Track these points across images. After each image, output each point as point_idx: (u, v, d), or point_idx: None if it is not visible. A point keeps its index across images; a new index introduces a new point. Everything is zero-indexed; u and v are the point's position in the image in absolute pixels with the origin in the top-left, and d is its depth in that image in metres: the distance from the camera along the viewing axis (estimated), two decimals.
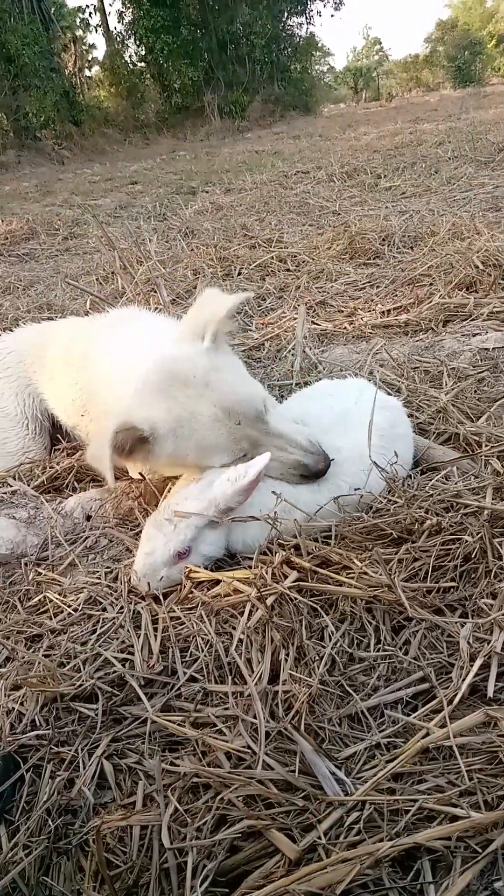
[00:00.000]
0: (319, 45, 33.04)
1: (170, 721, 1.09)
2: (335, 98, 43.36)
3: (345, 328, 3.06)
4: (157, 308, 3.20)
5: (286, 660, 1.14)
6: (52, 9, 22.54)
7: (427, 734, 1.02)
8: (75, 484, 2.03)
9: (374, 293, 3.43)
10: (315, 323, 3.12)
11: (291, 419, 1.58)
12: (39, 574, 1.54)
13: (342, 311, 3.29)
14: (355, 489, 1.47)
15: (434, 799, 0.94)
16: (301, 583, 1.27)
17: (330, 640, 1.20)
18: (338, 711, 1.08)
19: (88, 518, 1.71)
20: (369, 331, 2.95)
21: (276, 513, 1.38)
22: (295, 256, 4.27)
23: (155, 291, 3.54)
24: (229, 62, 25.24)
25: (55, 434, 2.26)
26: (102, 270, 4.35)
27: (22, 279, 4.58)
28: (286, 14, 27.86)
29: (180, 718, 1.11)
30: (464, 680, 1.10)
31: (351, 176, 7.13)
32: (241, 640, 1.20)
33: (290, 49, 27.68)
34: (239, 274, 4.11)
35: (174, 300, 3.64)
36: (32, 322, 3.44)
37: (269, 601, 1.22)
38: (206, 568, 1.42)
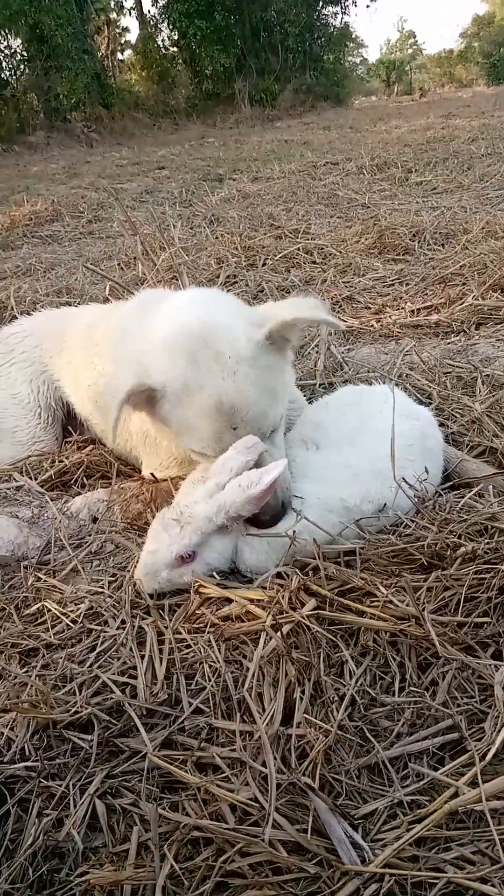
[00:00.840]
0: (353, 36, 32.47)
1: (171, 762, 0.99)
2: (367, 90, 42.78)
3: (372, 326, 2.93)
4: None
5: (301, 698, 1.03)
6: None
7: (456, 794, 0.91)
8: (84, 480, 1.93)
9: (404, 290, 3.29)
10: (341, 319, 3.00)
11: (286, 453, 1.47)
12: (39, 580, 1.45)
13: (369, 308, 3.16)
14: (379, 510, 1.35)
15: (463, 873, 0.83)
16: (320, 612, 1.16)
17: (350, 676, 1.09)
18: (356, 761, 0.97)
19: (95, 520, 1.61)
20: (398, 330, 2.82)
21: (294, 531, 1.26)
22: (322, 249, 4.13)
23: (177, 279, 3.43)
24: (262, 50, 24.91)
25: (67, 424, 2.16)
26: (125, 255, 4.24)
27: (43, 261, 4.48)
28: (321, 3, 27.43)
29: (182, 757, 1.00)
30: (498, 732, 0.98)
31: (381, 169, 6.95)
32: (251, 672, 1.10)
33: (323, 39, 27.27)
34: (263, 265, 3.98)
35: None
36: (50, 306, 3.36)
37: (285, 630, 1.11)
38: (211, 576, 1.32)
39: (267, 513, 1.32)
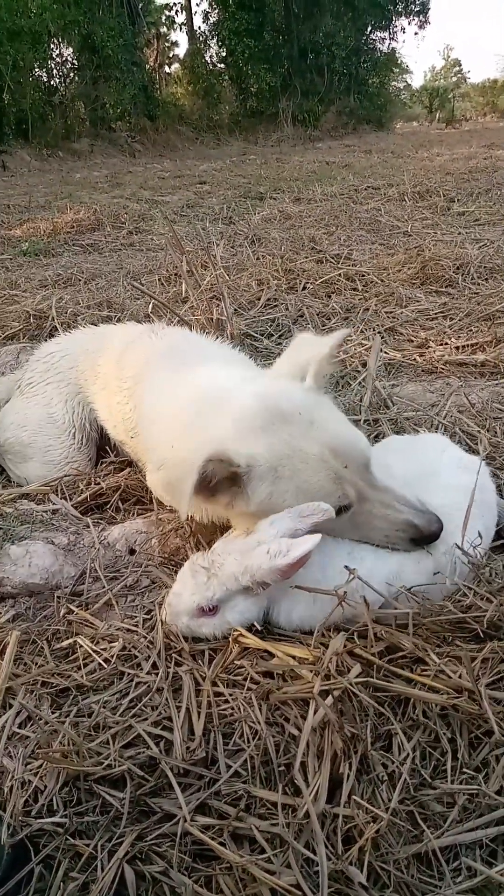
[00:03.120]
0: (399, 61, 32.66)
1: (206, 830, 0.94)
2: (408, 116, 43.00)
3: (414, 360, 2.88)
4: (219, 319, 3.07)
5: (348, 775, 0.97)
6: (140, 4, 22.80)
7: None
8: (119, 504, 1.89)
9: (447, 325, 3.23)
10: (383, 351, 2.95)
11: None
12: (71, 612, 1.40)
13: (412, 341, 3.10)
14: (434, 573, 1.29)
15: None
16: (369, 679, 1.10)
17: (399, 751, 1.03)
18: (405, 849, 0.91)
19: (132, 552, 1.56)
20: (441, 366, 2.76)
21: (345, 592, 1.20)
22: (363, 276, 4.09)
23: (217, 299, 3.40)
24: (308, 71, 25.18)
25: (103, 446, 2.13)
26: (166, 271, 4.24)
27: (84, 271, 4.49)
28: (370, 28, 27.69)
29: (218, 826, 0.95)
30: None
31: (423, 197, 6.91)
32: (292, 737, 1.04)
33: (369, 63, 27.50)
34: (304, 289, 3.95)
35: (236, 310, 3.51)
36: (91, 319, 3.36)
37: (332, 698, 1.05)
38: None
39: (433, 524, 1.28)
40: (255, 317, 3.48)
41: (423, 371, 2.78)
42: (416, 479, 1.41)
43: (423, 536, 1.29)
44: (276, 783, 1.00)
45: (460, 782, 0.99)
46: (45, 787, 1.02)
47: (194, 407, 1.47)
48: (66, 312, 3.42)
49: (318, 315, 3.50)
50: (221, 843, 0.93)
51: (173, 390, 1.58)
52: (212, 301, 3.42)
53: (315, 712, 1.02)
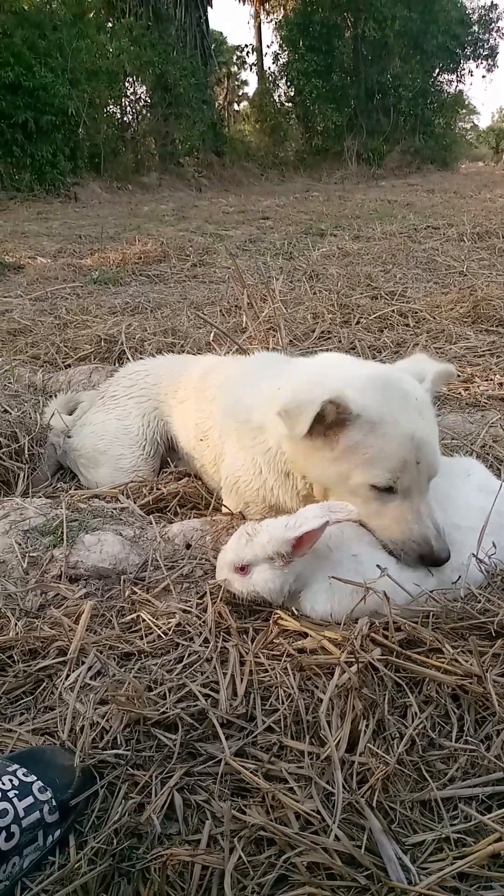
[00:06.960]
0: (466, 102, 33.00)
1: (244, 768, 1.12)
2: (474, 156, 43.17)
3: (459, 394, 3.03)
4: (274, 349, 3.29)
5: (365, 731, 1.14)
6: (213, 45, 23.79)
7: (500, 839, 1.00)
8: (177, 508, 2.11)
9: (494, 363, 3.38)
10: None
11: None
12: (135, 593, 1.62)
13: (459, 376, 3.25)
14: (453, 581, 1.45)
15: None
16: (388, 658, 1.27)
17: (413, 719, 1.19)
18: (411, 795, 1.07)
19: (188, 546, 1.77)
20: (484, 400, 2.91)
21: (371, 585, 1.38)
22: (416, 312, 4.27)
23: (274, 330, 3.63)
24: (374, 111, 25.71)
25: (168, 457, 2.37)
26: (227, 303, 4.51)
27: (150, 300, 4.80)
28: (437, 70, 28.15)
29: (254, 767, 1.13)
30: None
31: (482, 238, 7.06)
32: (320, 700, 1.22)
33: (436, 104, 27.87)
34: (357, 323, 4.15)
35: (291, 341, 3.73)
36: (157, 345, 3.63)
37: (355, 668, 1.23)
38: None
39: (444, 552, 1.42)
40: (308, 348, 3.70)
41: (466, 404, 2.94)
42: (437, 498, 1.57)
43: (432, 558, 1.44)
44: (304, 736, 1.18)
45: (464, 744, 1.15)
46: (111, 727, 1.22)
47: (314, 371, 1.68)
48: (134, 338, 3.71)
49: (369, 348, 3.69)
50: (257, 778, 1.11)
51: (277, 379, 1.75)
52: (268, 332, 3.65)
53: (339, 676, 1.20)
